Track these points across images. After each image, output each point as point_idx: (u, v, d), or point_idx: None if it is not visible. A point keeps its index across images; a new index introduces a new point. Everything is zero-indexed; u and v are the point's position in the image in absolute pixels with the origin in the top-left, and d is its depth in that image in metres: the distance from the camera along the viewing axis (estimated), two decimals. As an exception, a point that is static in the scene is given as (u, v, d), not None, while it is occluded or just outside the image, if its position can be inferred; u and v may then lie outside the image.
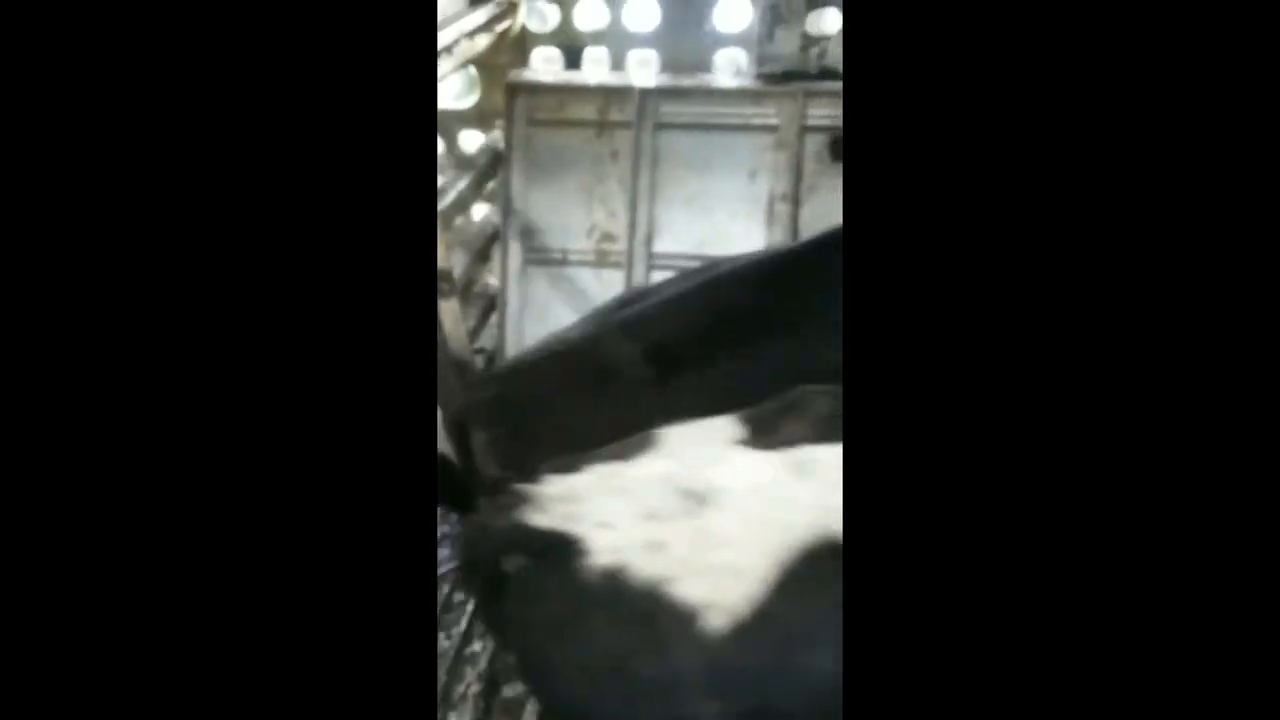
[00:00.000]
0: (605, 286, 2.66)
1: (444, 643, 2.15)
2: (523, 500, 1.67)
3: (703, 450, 1.69)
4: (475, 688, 2.21)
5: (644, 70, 2.80)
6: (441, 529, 2.24)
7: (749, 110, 2.64)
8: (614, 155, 2.70)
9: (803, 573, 1.40)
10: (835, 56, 2.64)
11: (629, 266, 2.69)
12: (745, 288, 1.96)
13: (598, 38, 2.83)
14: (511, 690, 2.27)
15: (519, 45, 2.84)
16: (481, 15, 2.54)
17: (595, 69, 2.85)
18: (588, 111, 2.72)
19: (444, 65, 2.21)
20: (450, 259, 2.30)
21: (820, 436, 1.64)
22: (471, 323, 2.77)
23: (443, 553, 2.25)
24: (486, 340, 2.84)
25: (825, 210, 2.59)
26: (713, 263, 2.20)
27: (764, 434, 1.70)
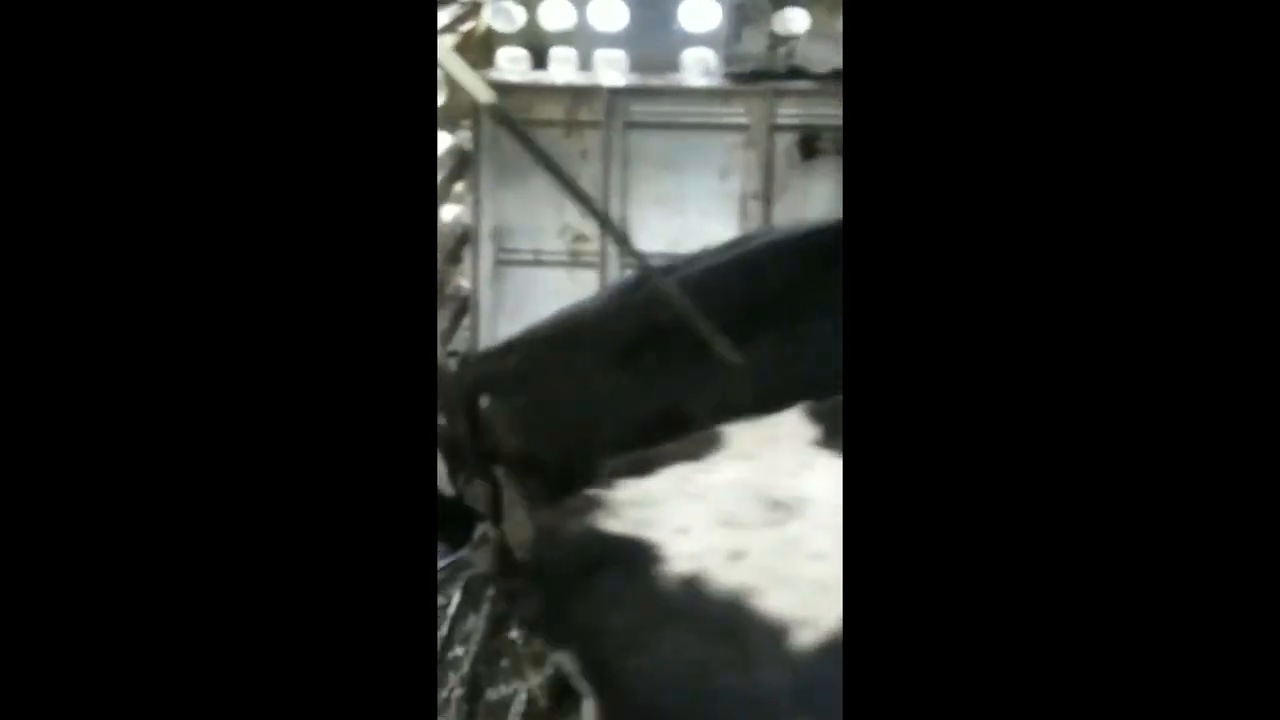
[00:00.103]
0: (579, 286, 2.66)
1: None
2: (595, 505, 1.62)
3: (780, 453, 1.64)
4: (458, 692, 2.20)
5: (612, 70, 2.80)
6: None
7: (718, 109, 2.67)
8: (584, 155, 2.70)
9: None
10: (803, 56, 2.67)
11: (603, 266, 2.69)
12: (786, 261, 1.94)
13: (564, 38, 2.83)
14: (495, 694, 2.27)
15: (484, 45, 2.83)
16: (445, 15, 2.52)
17: (562, 69, 2.85)
18: (555, 111, 2.72)
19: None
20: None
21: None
22: (444, 325, 2.76)
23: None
24: (459, 343, 2.83)
25: (797, 208, 2.63)
26: (747, 236, 2.19)
27: (839, 433, 1.60)
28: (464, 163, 2.80)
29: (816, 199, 2.68)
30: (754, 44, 2.70)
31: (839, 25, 2.66)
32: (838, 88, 2.61)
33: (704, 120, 2.66)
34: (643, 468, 1.67)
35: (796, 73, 2.65)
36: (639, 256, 1.90)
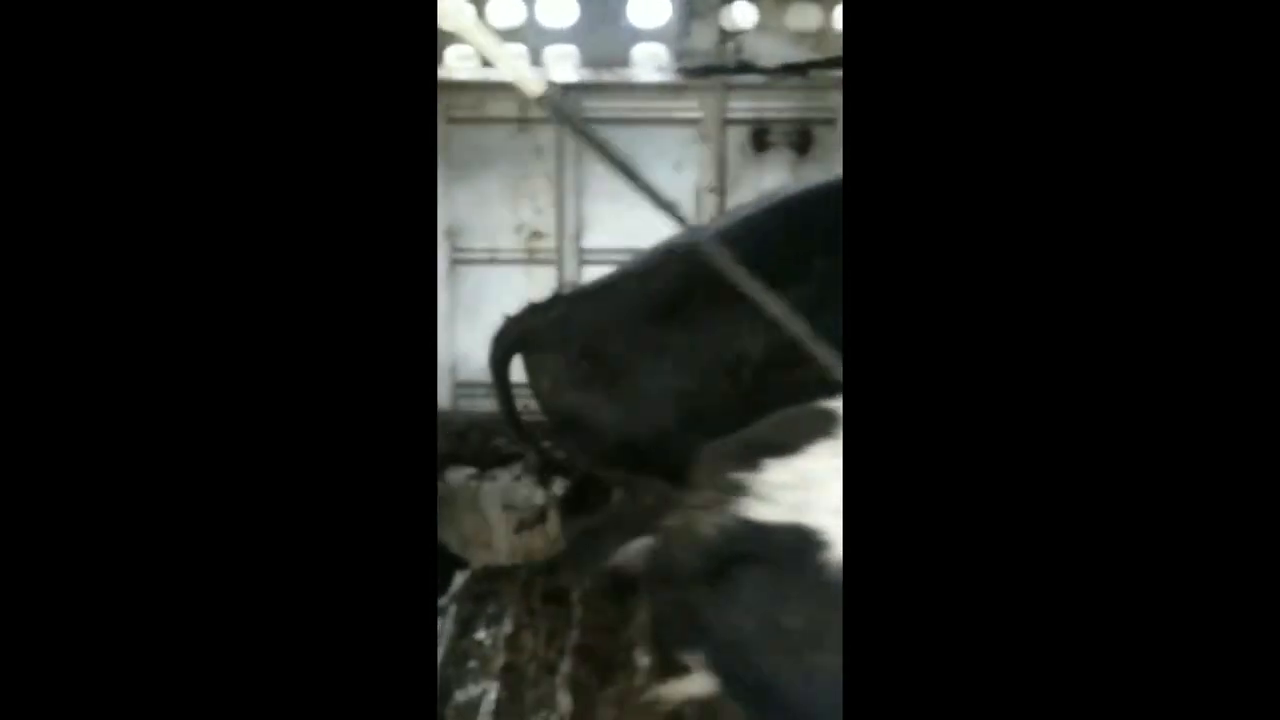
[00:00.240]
0: (536, 284, 2.65)
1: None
2: (740, 490, 1.43)
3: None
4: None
5: (562, 66, 2.80)
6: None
7: (671, 104, 2.68)
8: (537, 151, 2.69)
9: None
10: (751, 50, 2.70)
11: (560, 263, 2.69)
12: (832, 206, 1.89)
13: (513, 34, 2.81)
14: (464, 695, 2.25)
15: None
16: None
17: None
18: (507, 108, 2.71)
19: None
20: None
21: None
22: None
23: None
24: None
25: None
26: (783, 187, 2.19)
27: None
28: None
29: (770, 191, 2.70)
30: (703, 39, 2.72)
31: (787, 20, 2.70)
32: (787, 81, 2.65)
33: (657, 115, 2.67)
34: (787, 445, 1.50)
35: (746, 67, 2.68)
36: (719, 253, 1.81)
